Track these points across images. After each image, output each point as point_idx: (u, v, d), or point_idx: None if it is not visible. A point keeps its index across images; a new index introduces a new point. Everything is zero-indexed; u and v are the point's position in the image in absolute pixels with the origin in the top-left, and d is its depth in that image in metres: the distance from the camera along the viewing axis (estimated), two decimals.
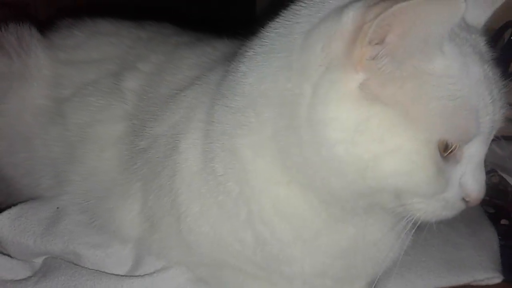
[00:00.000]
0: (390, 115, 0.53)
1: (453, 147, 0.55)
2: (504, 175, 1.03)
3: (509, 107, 0.58)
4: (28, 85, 0.91)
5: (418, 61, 0.52)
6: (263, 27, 0.64)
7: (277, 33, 0.61)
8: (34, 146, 0.90)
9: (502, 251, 0.88)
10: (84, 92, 0.87)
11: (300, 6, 0.60)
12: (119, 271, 0.77)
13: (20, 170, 0.92)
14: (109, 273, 0.76)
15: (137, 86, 0.84)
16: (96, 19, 1.00)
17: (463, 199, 0.58)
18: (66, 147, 0.86)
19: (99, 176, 0.81)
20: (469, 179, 0.57)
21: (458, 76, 0.53)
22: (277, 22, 0.62)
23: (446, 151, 0.55)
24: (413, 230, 0.61)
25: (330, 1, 0.58)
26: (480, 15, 0.61)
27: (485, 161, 0.59)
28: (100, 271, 0.77)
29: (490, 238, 0.90)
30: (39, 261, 0.81)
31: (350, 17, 0.53)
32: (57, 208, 0.84)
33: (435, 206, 0.58)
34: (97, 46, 0.93)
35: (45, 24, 0.99)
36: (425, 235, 0.63)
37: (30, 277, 0.77)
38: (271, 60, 0.60)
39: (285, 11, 0.62)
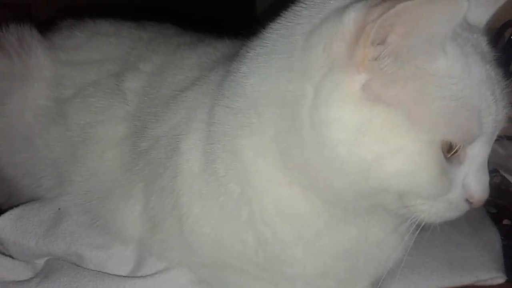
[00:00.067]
0: (392, 116, 0.53)
1: (456, 148, 0.55)
2: (506, 175, 1.03)
3: None
4: (29, 85, 0.91)
5: (421, 61, 0.52)
6: (264, 28, 0.64)
7: (278, 34, 0.61)
8: (35, 147, 0.90)
9: (505, 251, 0.88)
10: (85, 93, 0.87)
11: (301, 7, 0.60)
12: (121, 272, 0.77)
13: (21, 171, 0.92)
14: (111, 274, 0.76)
15: (138, 87, 0.83)
16: (97, 19, 1.00)
17: (467, 200, 0.58)
18: (67, 147, 0.86)
19: (101, 177, 0.81)
20: (472, 180, 0.57)
21: (460, 77, 0.53)
22: (278, 23, 0.62)
23: (450, 152, 0.55)
24: (417, 232, 0.60)
25: (331, 2, 0.58)
26: (482, 15, 0.61)
27: (488, 161, 0.59)
28: (102, 272, 0.77)
29: (492, 238, 0.90)
30: (41, 262, 0.81)
31: (351, 18, 0.53)
32: (59, 209, 0.84)
33: (439, 208, 0.58)
34: (98, 46, 0.93)
35: (45, 25, 0.99)
36: (428, 236, 0.63)
37: (32, 278, 0.77)
38: (272, 61, 0.60)
39: (286, 12, 0.62)
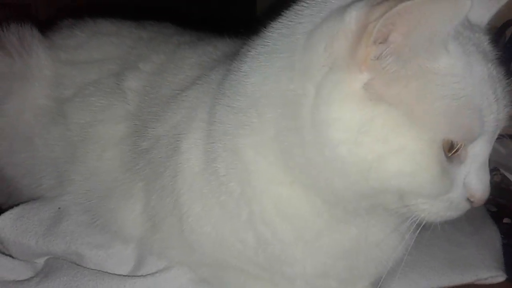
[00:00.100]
0: (394, 115, 0.52)
1: (457, 147, 0.55)
2: (507, 174, 1.03)
3: None
4: (29, 85, 0.91)
5: (423, 60, 0.52)
6: (264, 27, 0.64)
7: (280, 33, 0.61)
8: (35, 146, 0.90)
9: (505, 250, 0.88)
10: (85, 92, 0.87)
11: (302, 6, 0.60)
12: (121, 271, 0.77)
13: (20, 170, 0.92)
14: (111, 273, 0.76)
15: (139, 86, 0.83)
16: (97, 19, 1.00)
17: (468, 199, 0.58)
18: (68, 147, 0.86)
19: (101, 176, 0.81)
20: (473, 179, 0.57)
21: (462, 75, 0.53)
22: (279, 22, 0.62)
23: (451, 151, 0.55)
24: (417, 231, 0.60)
25: (332, 1, 0.58)
26: (484, 14, 0.61)
27: (488, 159, 0.59)
28: (102, 271, 0.77)
29: (492, 236, 0.91)
30: (41, 261, 0.81)
31: (353, 17, 0.52)
32: (59, 208, 0.84)
33: (439, 207, 0.57)
34: (98, 46, 0.93)
35: (45, 25, 0.99)
36: (428, 235, 0.63)
37: (32, 277, 0.77)
38: (274, 60, 0.60)
39: (287, 11, 0.62)
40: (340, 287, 0.69)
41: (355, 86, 0.53)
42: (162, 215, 0.72)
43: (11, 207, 0.83)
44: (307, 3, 0.60)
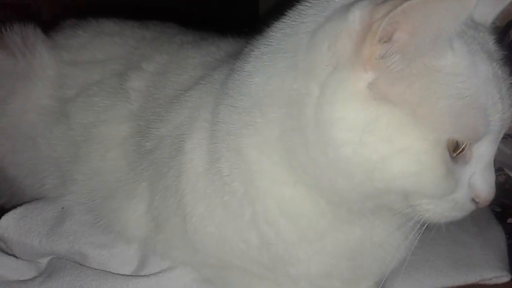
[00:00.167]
0: (398, 115, 0.52)
1: (462, 147, 0.55)
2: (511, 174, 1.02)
3: None
4: (32, 85, 0.91)
5: (428, 58, 0.52)
6: (268, 27, 0.64)
7: (283, 33, 0.61)
8: (38, 146, 0.90)
9: (509, 250, 0.88)
10: (88, 92, 0.87)
11: (306, 5, 0.60)
12: (124, 271, 0.77)
13: (23, 170, 0.92)
14: (114, 273, 0.76)
15: (142, 86, 0.83)
16: (100, 19, 1.00)
17: (473, 199, 0.58)
18: (71, 146, 0.86)
19: (104, 176, 0.81)
20: (478, 179, 0.57)
21: (466, 75, 0.53)
22: (283, 21, 0.62)
23: (456, 152, 0.55)
24: (421, 231, 0.60)
25: (336, 0, 0.58)
26: (488, 12, 0.60)
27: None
28: (106, 271, 0.77)
29: (497, 237, 0.90)
30: (44, 261, 0.81)
31: (357, 16, 0.52)
32: (62, 208, 0.84)
33: (444, 207, 0.57)
34: (101, 46, 0.93)
35: (47, 25, 0.99)
36: (432, 235, 0.63)
37: (35, 277, 0.77)
38: (277, 60, 0.60)
39: (291, 11, 0.62)
40: (343, 287, 0.69)
41: (359, 85, 0.53)
42: (165, 215, 0.72)
43: (14, 207, 0.84)
44: (310, 2, 0.60)
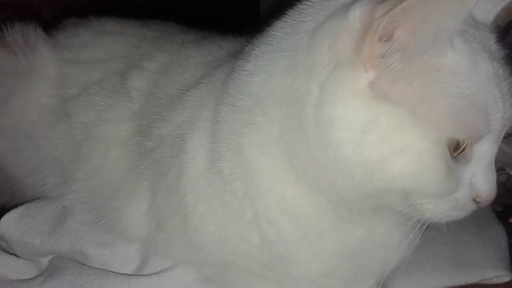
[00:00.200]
0: (399, 114, 0.52)
1: (463, 146, 0.55)
2: None
3: None
4: (33, 84, 0.92)
5: (428, 57, 0.52)
6: (269, 26, 0.64)
7: (284, 32, 0.61)
8: (39, 145, 0.90)
9: (511, 249, 0.88)
10: (90, 91, 0.87)
11: (306, 5, 0.60)
12: (125, 270, 0.77)
13: (24, 170, 0.92)
14: (115, 272, 0.76)
15: (143, 85, 0.83)
16: (101, 18, 1.00)
17: (474, 199, 0.57)
18: (72, 145, 0.86)
19: (105, 175, 0.81)
20: (479, 179, 0.57)
21: (467, 73, 0.53)
22: (283, 21, 0.62)
23: (456, 151, 0.54)
24: (422, 230, 0.60)
25: None
26: (489, 11, 0.60)
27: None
28: (107, 270, 0.77)
29: (498, 236, 0.90)
30: (45, 260, 0.81)
31: (357, 15, 0.52)
32: (63, 207, 0.84)
33: (445, 207, 0.57)
34: (102, 45, 0.93)
35: (47, 24, 0.99)
36: (433, 234, 0.63)
37: (36, 276, 0.77)
38: (278, 59, 0.60)
39: (291, 10, 0.62)
40: (344, 287, 0.69)
41: (359, 85, 0.53)
42: (166, 214, 0.72)
43: (15, 206, 0.84)
44: (311, 1, 0.60)
